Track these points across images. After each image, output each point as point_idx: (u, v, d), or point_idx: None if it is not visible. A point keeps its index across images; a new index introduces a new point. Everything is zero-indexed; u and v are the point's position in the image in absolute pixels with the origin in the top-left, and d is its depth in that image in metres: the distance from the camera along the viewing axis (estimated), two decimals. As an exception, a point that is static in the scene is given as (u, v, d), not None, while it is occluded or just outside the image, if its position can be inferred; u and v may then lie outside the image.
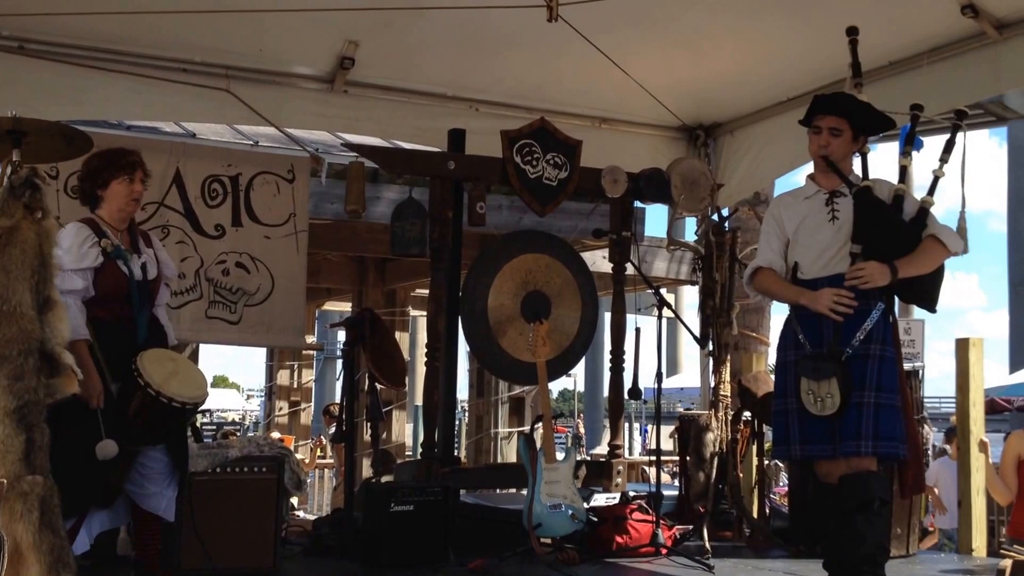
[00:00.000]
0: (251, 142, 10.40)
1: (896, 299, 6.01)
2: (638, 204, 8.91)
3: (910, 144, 6.32)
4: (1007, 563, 6.56)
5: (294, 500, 11.12)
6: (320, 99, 8.58)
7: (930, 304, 6.05)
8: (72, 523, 5.43)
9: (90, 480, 5.55)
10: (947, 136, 6.26)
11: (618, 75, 8.29)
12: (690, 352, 41.70)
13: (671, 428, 10.81)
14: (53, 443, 4.74)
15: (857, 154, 6.12)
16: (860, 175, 6.06)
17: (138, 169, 6.00)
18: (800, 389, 5.72)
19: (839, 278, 5.78)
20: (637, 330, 8.16)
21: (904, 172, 6.17)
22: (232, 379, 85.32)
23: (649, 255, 13.29)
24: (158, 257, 6.15)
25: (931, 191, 6.06)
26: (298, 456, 10.69)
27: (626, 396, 8.29)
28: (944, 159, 6.18)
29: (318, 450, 16.31)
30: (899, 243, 5.85)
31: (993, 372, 27.01)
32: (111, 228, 5.93)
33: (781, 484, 10.52)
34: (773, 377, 6.23)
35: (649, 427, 29.36)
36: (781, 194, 6.28)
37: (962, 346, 8.20)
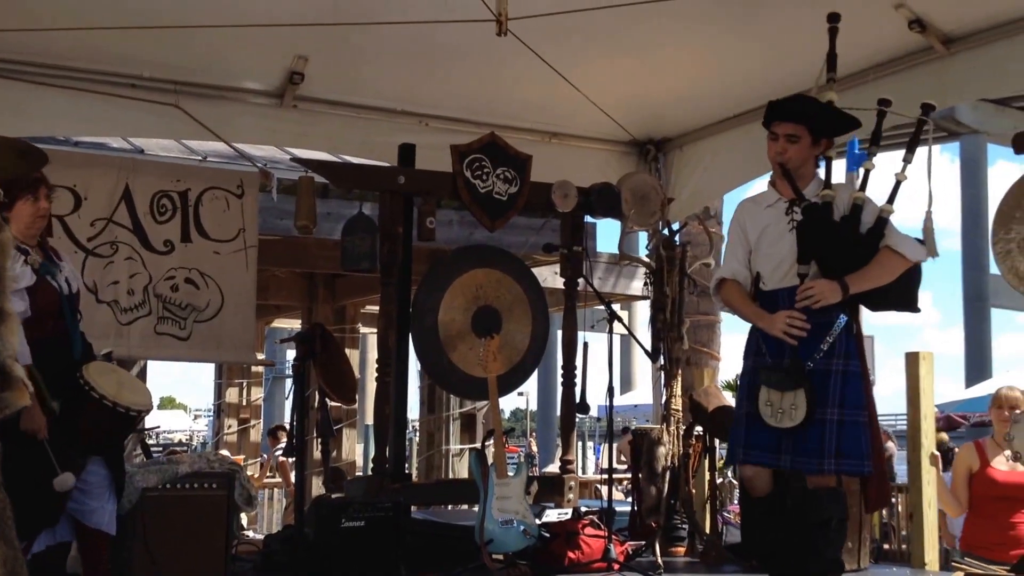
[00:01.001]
0: (200, 157, 10.35)
1: (861, 310, 6.01)
2: (589, 219, 8.90)
3: (875, 144, 6.23)
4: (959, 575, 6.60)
5: (244, 520, 11.07)
6: (269, 114, 8.53)
7: (910, 306, 6.01)
8: (24, 545, 5.38)
9: (40, 504, 5.50)
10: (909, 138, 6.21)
11: (568, 90, 8.29)
12: (644, 369, 41.72)
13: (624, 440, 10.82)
14: (4, 462, 4.67)
15: (822, 158, 6.06)
16: (824, 180, 6.00)
17: (41, 186, 5.88)
18: (759, 399, 5.68)
19: (796, 290, 5.74)
20: (585, 344, 8.17)
21: (867, 176, 6.11)
22: (179, 399, 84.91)
23: (605, 271, 13.32)
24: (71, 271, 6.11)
25: (891, 199, 5.98)
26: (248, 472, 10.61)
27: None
28: (908, 159, 6.11)
29: (266, 470, 16.22)
30: (851, 257, 5.80)
31: (949, 388, 27.18)
32: (26, 246, 5.83)
33: (735, 502, 10.51)
34: (725, 392, 6.22)
35: (602, 446, 29.36)
36: (744, 200, 6.21)
37: (912, 360, 8.22)
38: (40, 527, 5.68)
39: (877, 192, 6.02)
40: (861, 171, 6.15)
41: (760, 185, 6.21)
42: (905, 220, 6.01)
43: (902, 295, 5.95)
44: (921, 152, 6.18)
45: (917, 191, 6.27)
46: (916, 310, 6.05)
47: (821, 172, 6.07)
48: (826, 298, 5.65)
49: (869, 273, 5.77)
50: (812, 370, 5.66)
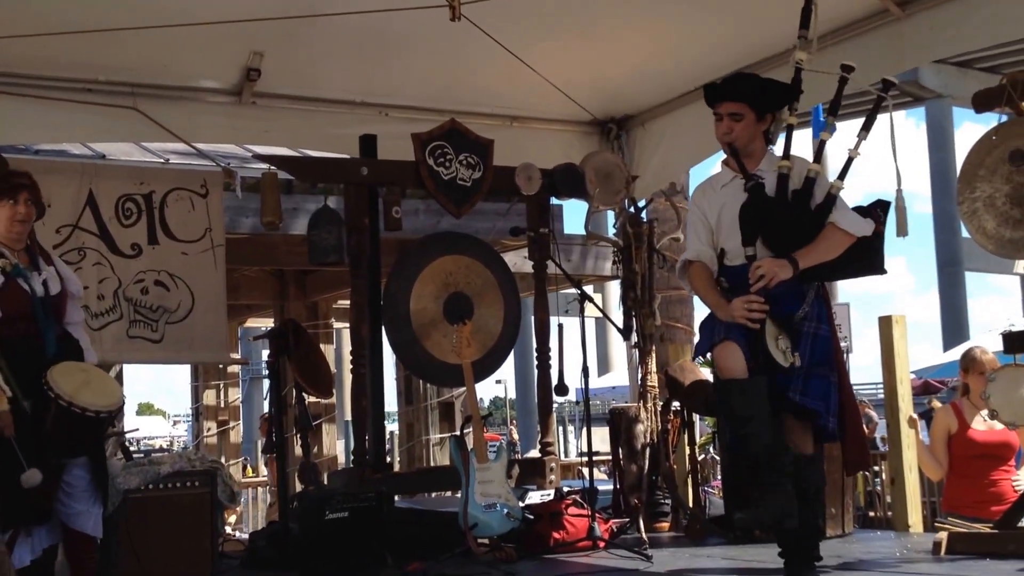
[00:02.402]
0: (162, 160, 10.32)
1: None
2: (554, 201, 8.91)
3: (834, 113, 6.20)
4: (943, 535, 6.63)
5: (233, 519, 11.07)
6: (228, 112, 8.56)
7: (876, 270, 6.05)
8: (8, 536, 5.43)
9: (14, 498, 5.52)
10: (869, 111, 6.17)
11: (526, 72, 8.30)
12: (621, 350, 41.85)
13: (605, 429, 10.85)
14: None
15: (785, 127, 6.07)
16: (784, 150, 5.99)
17: (22, 191, 5.98)
18: (767, 335, 5.65)
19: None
20: (560, 326, 8.18)
21: (822, 147, 6.10)
22: (157, 405, 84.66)
23: (578, 253, 13.32)
24: (61, 273, 6.16)
25: (842, 174, 5.99)
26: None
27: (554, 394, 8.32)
28: (863, 136, 6.11)
29: (249, 469, 16.20)
30: (797, 234, 5.81)
31: (926, 353, 27.30)
32: (8, 248, 5.92)
33: (718, 478, 10.56)
34: (703, 369, 6.21)
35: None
36: (701, 183, 6.23)
37: (885, 324, 8.26)
38: (15, 519, 5.71)
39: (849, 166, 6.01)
40: (817, 141, 6.15)
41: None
42: (877, 190, 6.02)
43: (865, 261, 5.99)
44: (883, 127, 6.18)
45: (886, 160, 6.28)
46: (883, 272, 6.09)
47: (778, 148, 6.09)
48: (777, 275, 5.65)
49: (816, 248, 5.78)
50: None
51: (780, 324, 5.67)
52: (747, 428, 5.69)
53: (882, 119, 6.16)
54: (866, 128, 6.13)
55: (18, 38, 7.08)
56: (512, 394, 40.89)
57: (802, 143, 6.21)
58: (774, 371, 5.66)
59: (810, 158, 6.06)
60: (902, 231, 6.15)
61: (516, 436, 35.22)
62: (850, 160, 6.05)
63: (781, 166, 5.88)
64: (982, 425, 7.55)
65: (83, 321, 6.47)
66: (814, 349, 5.75)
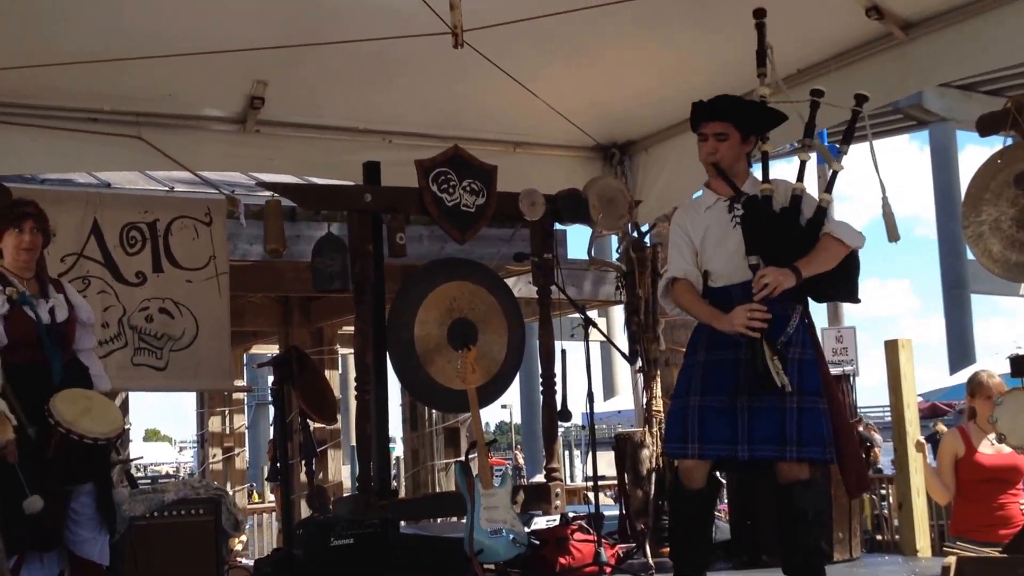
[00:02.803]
0: (166, 188, 10.36)
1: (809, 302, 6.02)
2: (558, 226, 8.93)
3: (809, 135, 6.18)
4: (951, 560, 6.61)
5: (238, 546, 11.07)
6: (232, 140, 8.56)
7: (851, 296, 6.03)
8: (13, 563, 5.45)
9: (20, 524, 5.55)
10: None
11: (529, 99, 8.32)
12: (626, 375, 41.88)
13: (610, 453, 10.82)
14: None
15: (758, 155, 6.04)
16: (760, 177, 5.96)
17: (28, 220, 6.07)
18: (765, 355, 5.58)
19: (750, 284, 5.70)
20: (563, 351, 8.18)
21: (803, 168, 6.08)
22: (163, 432, 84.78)
23: (580, 278, 13.34)
24: (70, 301, 6.22)
25: (828, 188, 6.01)
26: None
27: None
28: (844, 150, 6.14)
29: (255, 495, 16.20)
30: (796, 246, 5.79)
31: (932, 376, 27.32)
32: (16, 276, 5.97)
33: (724, 502, 10.55)
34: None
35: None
36: (683, 206, 6.31)
37: (891, 348, 8.26)
38: (22, 546, 5.73)
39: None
40: (796, 161, 6.17)
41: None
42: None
43: (844, 285, 5.96)
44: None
45: (893, 179, 6.32)
46: (857, 300, 6.11)
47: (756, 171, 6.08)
48: (781, 284, 5.62)
49: (816, 258, 5.76)
50: None
51: (773, 345, 5.65)
52: (689, 527, 5.87)
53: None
54: (846, 141, 6.16)
55: (24, 69, 7.10)
56: (517, 419, 40.93)
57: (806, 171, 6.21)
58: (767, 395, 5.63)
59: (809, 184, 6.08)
60: (893, 236, 6.18)
61: (522, 460, 35.24)
62: (835, 174, 6.08)
63: (763, 189, 5.86)
64: (989, 449, 7.53)
65: (94, 347, 6.51)
66: (802, 377, 5.69)
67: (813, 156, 6.22)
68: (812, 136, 6.19)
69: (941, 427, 8.22)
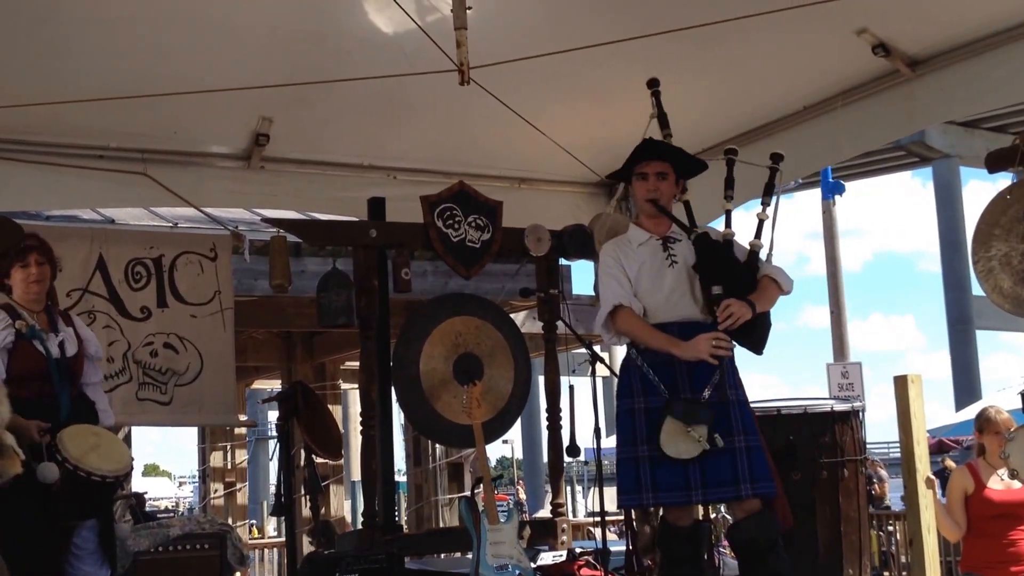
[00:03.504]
0: (170, 224, 10.39)
1: None
2: (563, 262, 8.94)
3: (768, 195, 6.35)
4: (963, 597, 6.63)
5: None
6: (237, 176, 8.59)
7: (757, 347, 6.09)
8: None
9: (22, 560, 5.55)
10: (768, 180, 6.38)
11: (534, 135, 8.34)
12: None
13: (615, 489, 10.79)
14: None
15: (678, 201, 6.25)
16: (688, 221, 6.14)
17: (31, 252, 6.17)
18: (662, 432, 5.68)
19: (689, 322, 5.85)
20: (571, 387, 8.17)
21: (761, 225, 6.24)
22: (163, 467, 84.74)
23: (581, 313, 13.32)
24: (79, 335, 6.27)
25: (757, 235, 6.17)
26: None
27: (565, 455, 8.31)
28: (766, 202, 6.29)
29: (255, 531, 16.17)
30: (743, 282, 5.94)
31: (938, 413, 27.34)
32: (27, 310, 6.01)
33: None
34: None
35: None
36: (609, 243, 6.30)
37: (900, 383, 8.20)
38: None
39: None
40: (756, 219, 6.27)
41: (739, 217, 6.29)
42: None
43: (756, 334, 6.04)
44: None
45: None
46: (760, 353, 6.14)
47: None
48: (743, 315, 5.75)
49: (762, 296, 5.93)
50: (711, 401, 5.75)
51: (688, 412, 5.68)
52: (681, 569, 5.96)
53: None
54: (767, 193, 6.32)
55: (30, 106, 7.13)
56: (519, 454, 40.87)
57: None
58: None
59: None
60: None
61: (523, 496, 35.17)
62: (761, 223, 6.21)
63: (725, 234, 6.08)
64: (999, 484, 7.53)
65: (101, 382, 6.55)
66: (743, 415, 5.83)
67: (770, 215, 6.28)
68: (770, 195, 6.37)
69: (950, 463, 8.20)
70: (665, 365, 5.81)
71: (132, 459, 6.20)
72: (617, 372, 6.32)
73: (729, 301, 5.74)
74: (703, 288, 5.89)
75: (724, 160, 6.41)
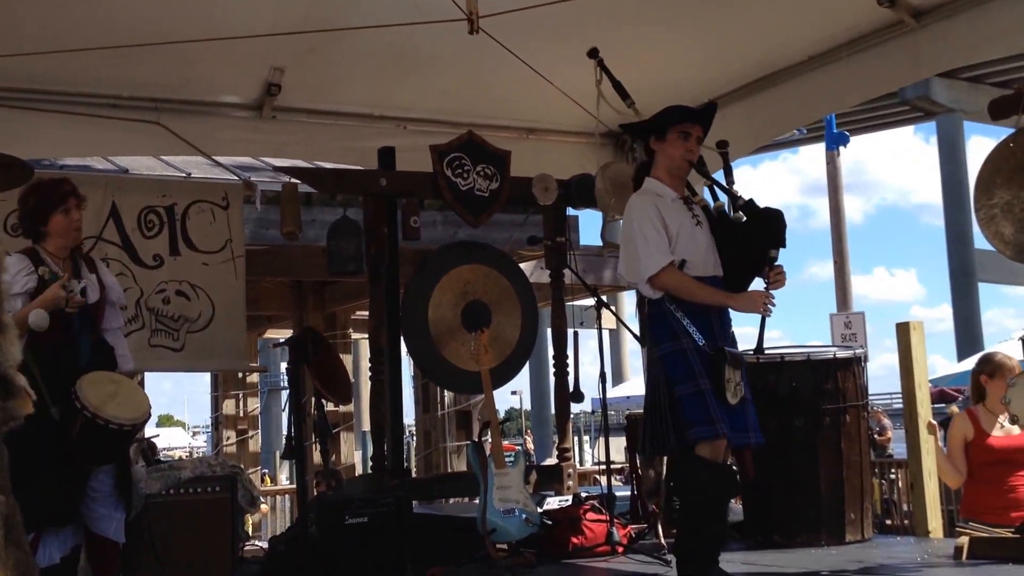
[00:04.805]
0: (183, 174, 10.45)
1: None
2: (570, 211, 9.00)
3: (729, 176, 6.24)
4: (964, 540, 6.69)
5: (249, 528, 11.13)
6: (249, 126, 8.67)
7: None
8: (31, 538, 5.53)
9: (36, 501, 5.60)
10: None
11: (542, 85, 8.37)
12: (634, 362, 41.94)
13: (620, 439, 10.89)
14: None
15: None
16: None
17: (71, 197, 6.19)
18: (724, 377, 5.76)
19: (716, 278, 5.96)
20: (575, 334, 8.26)
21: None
22: (177, 417, 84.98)
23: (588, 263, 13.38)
24: (102, 281, 6.29)
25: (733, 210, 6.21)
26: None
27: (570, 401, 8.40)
28: (731, 182, 6.18)
29: (267, 479, 16.28)
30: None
31: (940, 363, 27.46)
32: (52, 256, 6.06)
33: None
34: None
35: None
36: (643, 196, 6.13)
37: (903, 330, 8.31)
38: (40, 523, 5.79)
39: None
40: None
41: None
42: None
43: None
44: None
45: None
46: None
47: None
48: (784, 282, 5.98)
49: None
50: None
51: (734, 360, 5.84)
52: (718, 505, 5.92)
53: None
54: (728, 177, 6.19)
55: (44, 55, 7.19)
56: (527, 405, 41.04)
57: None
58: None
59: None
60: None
61: (531, 446, 35.33)
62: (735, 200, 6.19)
63: (698, 200, 6.18)
64: (999, 431, 7.57)
65: (121, 327, 6.60)
66: (745, 370, 5.96)
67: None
68: (730, 177, 6.26)
69: (954, 409, 8.26)
70: (700, 315, 5.86)
71: (150, 407, 6.26)
72: (623, 321, 6.38)
73: (780, 266, 5.92)
74: (755, 250, 5.97)
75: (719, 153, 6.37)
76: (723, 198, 6.08)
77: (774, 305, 5.85)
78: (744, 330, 6.06)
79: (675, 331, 5.86)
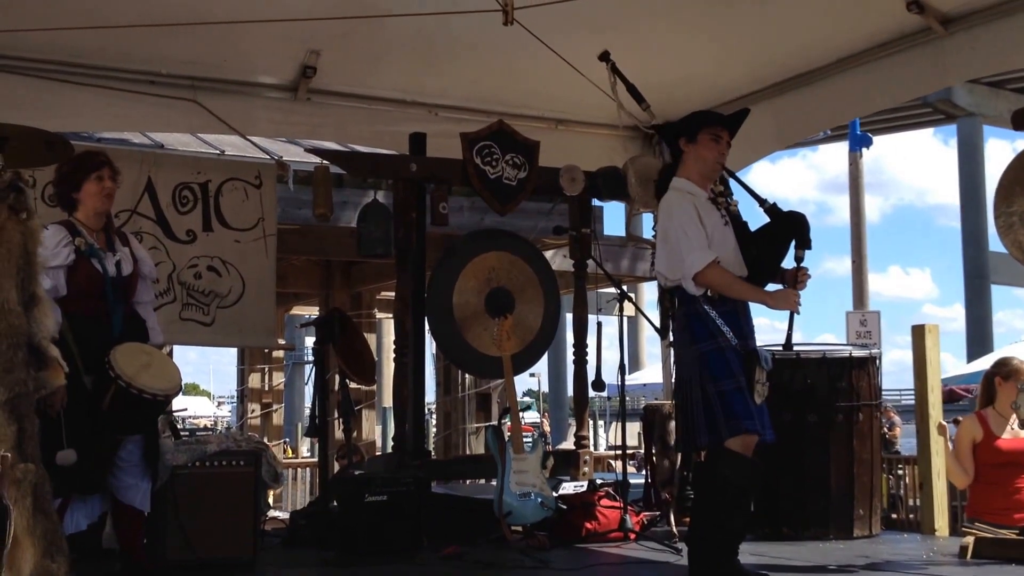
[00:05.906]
0: (218, 151, 10.57)
1: None
2: (596, 202, 9.10)
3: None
4: (969, 540, 6.78)
5: (271, 499, 11.27)
6: (283, 107, 8.79)
7: None
8: (58, 504, 5.63)
9: (65, 468, 5.70)
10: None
11: (573, 77, 8.40)
12: (652, 350, 41.99)
13: (635, 425, 10.96)
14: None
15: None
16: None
17: (105, 166, 6.26)
18: (754, 377, 5.86)
19: (743, 277, 6.03)
20: (599, 324, 8.36)
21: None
22: (203, 387, 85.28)
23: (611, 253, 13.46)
24: (135, 255, 6.38)
25: None
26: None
27: (590, 389, 8.50)
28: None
29: (289, 451, 16.39)
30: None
31: (949, 363, 27.52)
32: (87, 229, 6.17)
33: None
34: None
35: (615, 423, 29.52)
36: (682, 192, 6.11)
37: (918, 333, 8.36)
38: (66, 490, 5.85)
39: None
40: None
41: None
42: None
43: None
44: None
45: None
46: None
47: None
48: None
49: None
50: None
51: (765, 360, 5.93)
52: (744, 499, 5.97)
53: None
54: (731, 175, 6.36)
55: (85, 30, 7.30)
56: (545, 387, 41.10)
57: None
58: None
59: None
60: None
61: (548, 428, 35.44)
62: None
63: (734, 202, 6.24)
64: (1007, 433, 7.65)
65: (152, 301, 6.68)
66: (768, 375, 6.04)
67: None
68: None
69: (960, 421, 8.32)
70: (731, 315, 5.95)
71: (181, 379, 6.36)
72: (643, 312, 6.45)
73: (806, 267, 6.01)
74: (779, 252, 6.10)
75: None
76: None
77: (800, 306, 5.98)
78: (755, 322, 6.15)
79: (709, 331, 5.92)
